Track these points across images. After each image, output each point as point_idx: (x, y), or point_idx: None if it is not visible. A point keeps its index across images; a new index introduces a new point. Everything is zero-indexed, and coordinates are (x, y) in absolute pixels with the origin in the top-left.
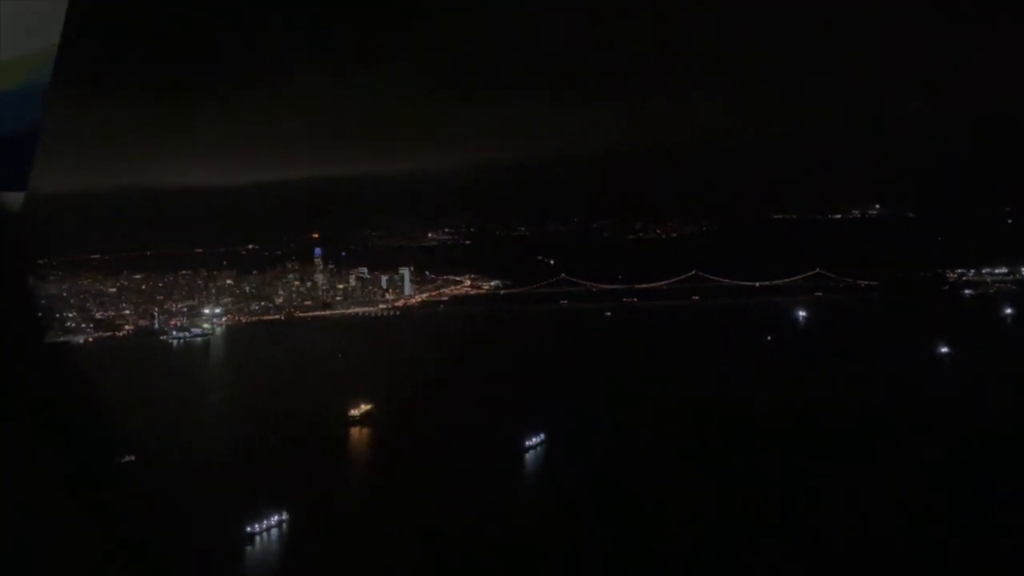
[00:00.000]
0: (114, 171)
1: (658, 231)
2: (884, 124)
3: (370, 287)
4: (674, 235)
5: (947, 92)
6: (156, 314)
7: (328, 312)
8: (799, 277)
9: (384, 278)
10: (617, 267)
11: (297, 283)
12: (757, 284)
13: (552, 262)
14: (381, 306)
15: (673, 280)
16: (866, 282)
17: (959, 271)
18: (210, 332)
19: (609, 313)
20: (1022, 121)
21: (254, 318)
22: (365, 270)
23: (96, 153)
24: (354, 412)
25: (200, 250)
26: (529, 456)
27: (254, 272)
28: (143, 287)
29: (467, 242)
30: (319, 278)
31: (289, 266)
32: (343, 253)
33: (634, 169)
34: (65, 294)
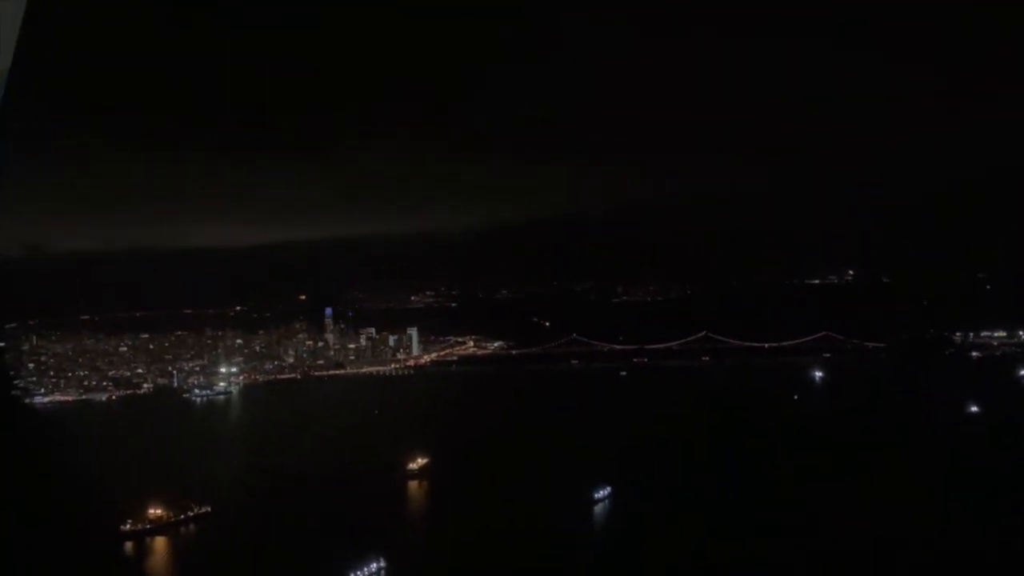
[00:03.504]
0: (99, 233)
1: (641, 294)
2: (854, 191)
3: (380, 347)
4: (659, 299)
5: (910, 161)
6: (175, 372)
7: (342, 371)
8: (807, 339)
9: (392, 338)
10: (611, 328)
11: (309, 343)
12: (766, 345)
13: (547, 324)
14: (393, 365)
15: (683, 341)
16: (873, 344)
17: (958, 334)
18: (230, 390)
19: (624, 373)
20: (985, 189)
21: (270, 377)
22: (373, 330)
23: (76, 216)
24: (412, 465)
25: (189, 311)
26: (599, 508)
27: (260, 332)
28: (151, 346)
29: (453, 304)
30: (330, 338)
31: (298, 326)
32: (350, 313)
33: (609, 233)
34: (71, 353)
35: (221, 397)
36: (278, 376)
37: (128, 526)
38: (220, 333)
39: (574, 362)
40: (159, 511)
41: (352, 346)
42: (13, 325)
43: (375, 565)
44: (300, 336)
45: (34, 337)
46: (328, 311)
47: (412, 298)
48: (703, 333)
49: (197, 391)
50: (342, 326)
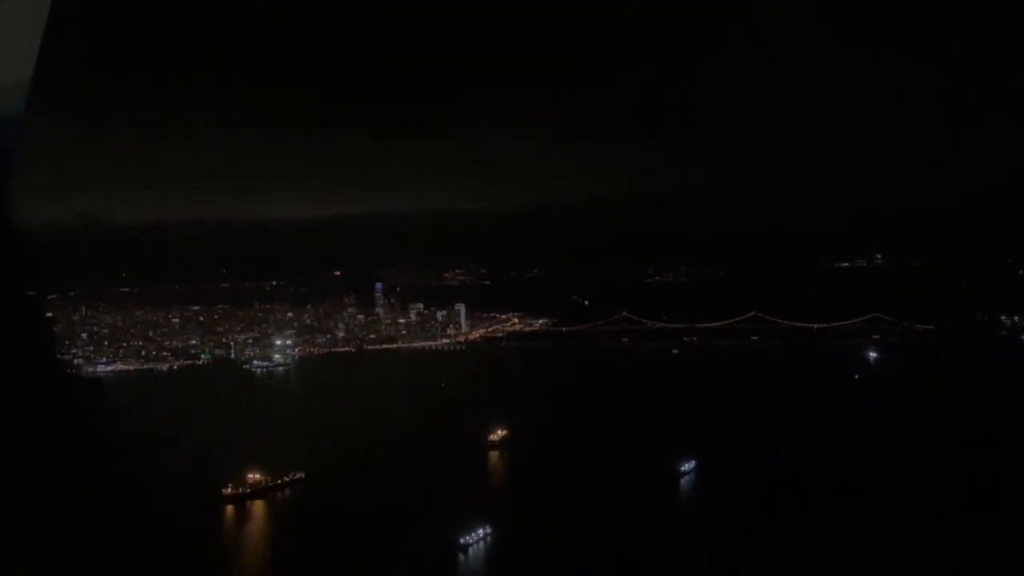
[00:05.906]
0: (139, 207)
1: (672, 275)
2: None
3: (429, 322)
4: (691, 280)
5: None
6: (232, 344)
7: (394, 346)
8: (857, 320)
9: (440, 314)
10: (648, 307)
11: (361, 317)
12: (815, 326)
13: (587, 303)
14: (444, 340)
15: (732, 320)
16: (923, 326)
17: (1004, 317)
18: (288, 362)
19: (676, 351)
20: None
21: (324, 350)
22: (421, 305)
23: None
24: (492, 437)
25: (227, 285)
26: (685, 481)
27: (308, 306)
28: (201, 318)
29: (487, 283)
30: (380, 312)
31: (347, 300)
32: (398, 288)
33: (642, 216)
34: (121, 324)
35: (280, 369)
36: (332, 349)
37: (229, 490)
38: (268, 306)
39: (624, 340)
40: (257, 476)
41: (402, 321)
42: (54, 296)
43: (481, 531)
44: (350, 310)
45: (83, 308)
46: (378, 286)
47: (445, 275)
48: (752, 313)
49: (256, 362)
50: (392, 301)
